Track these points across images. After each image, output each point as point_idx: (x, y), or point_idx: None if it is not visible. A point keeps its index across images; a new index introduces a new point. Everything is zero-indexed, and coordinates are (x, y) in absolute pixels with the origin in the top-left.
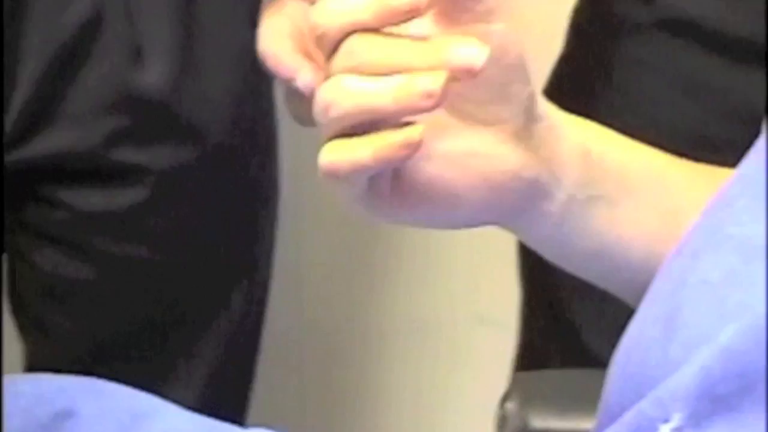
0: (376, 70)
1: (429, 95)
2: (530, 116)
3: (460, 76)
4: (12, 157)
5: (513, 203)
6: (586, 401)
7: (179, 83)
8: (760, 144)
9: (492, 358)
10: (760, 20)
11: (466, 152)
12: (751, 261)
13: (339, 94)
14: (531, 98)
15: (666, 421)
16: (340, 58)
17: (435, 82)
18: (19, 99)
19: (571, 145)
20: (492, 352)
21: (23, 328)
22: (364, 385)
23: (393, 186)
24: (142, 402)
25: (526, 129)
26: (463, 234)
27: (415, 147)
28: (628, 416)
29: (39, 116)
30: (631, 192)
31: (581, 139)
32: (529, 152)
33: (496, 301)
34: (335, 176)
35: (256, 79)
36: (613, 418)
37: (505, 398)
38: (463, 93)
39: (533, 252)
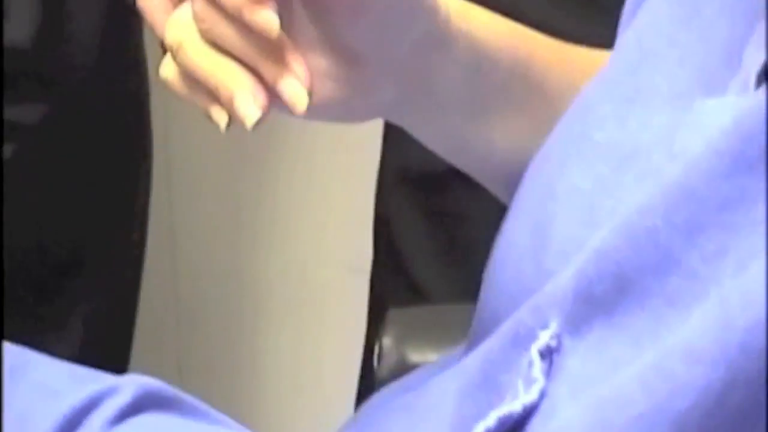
0: (215, 41)
1: (241, 109)
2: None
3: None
4: None
5: (374, 113)
6: (462, 334)
7: (43, 38)
8: (619, 47)
9: (362, 305)
10: None
11: (322, 73)
12: (619, 167)
13: (175, 46)
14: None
15: (545, 327)
16: (192, 15)
17: (248, 104)
18: None
19: (460, 65)
20: (362, 300)
21: None
22: (238, 330)
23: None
24: (14, 355)
25: (402, 61)
26: (336, 183)
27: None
28: (506, 326)
29: None
30: (511, 103)
31: (475, 54)
32: (398, 78)
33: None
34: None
35: (125, 25)
36: (487, 330)
37: (382, 335)
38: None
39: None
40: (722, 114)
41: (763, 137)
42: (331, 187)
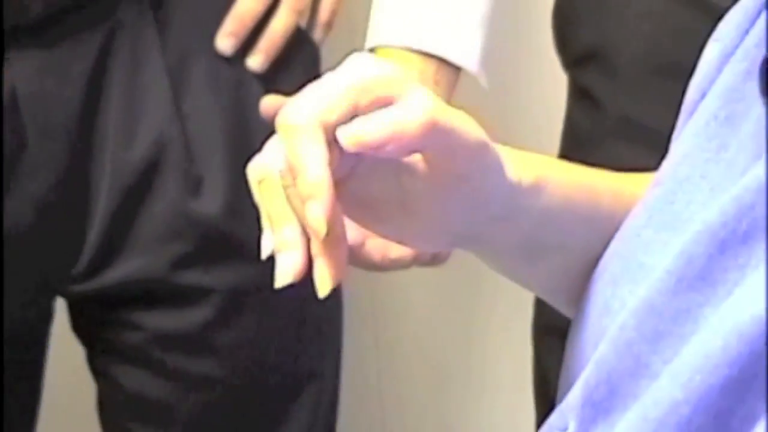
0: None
1: (292, 271)
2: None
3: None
4: (89, 286)
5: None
6: None
7: (235, 209)
8: (660, 174)
9: None
10: None
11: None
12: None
13: (256, 181)
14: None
15: (565, 429)
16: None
17: (289, 266)
18: (93, 235)
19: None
20: None
21: None
22: None
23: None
24: None
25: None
26: None
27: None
28: (542, 429)
29: (111, 249)
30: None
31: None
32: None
33: None
34: None
35: None
36: None
37: None
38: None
39: None
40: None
41: (702, 259)
42: None
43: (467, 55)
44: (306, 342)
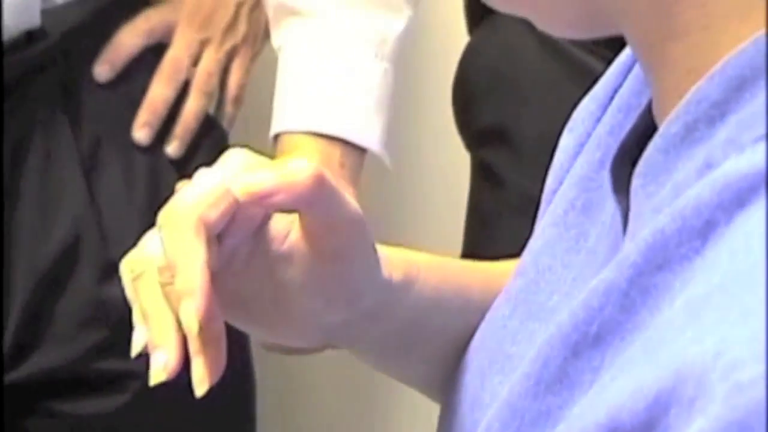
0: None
1: (165, 369)
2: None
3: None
4: (9, 377)
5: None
6: None
7: None
8: (522, 264)
9: None
10: None
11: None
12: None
13: (132, 285)
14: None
15: None
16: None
17: (159, 364)
18: (11, 327)
19: (402, 313)
20: None
21: None
22: None
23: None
24: None
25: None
26: None
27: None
28: None
29: (30, 338)
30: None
31: (414, 302)
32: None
33: None
34: None
35: None
36: None
37: None
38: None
39: None
40: None
41: (557, 361)
42: None
43: (370, 136)
44: (217, 422)
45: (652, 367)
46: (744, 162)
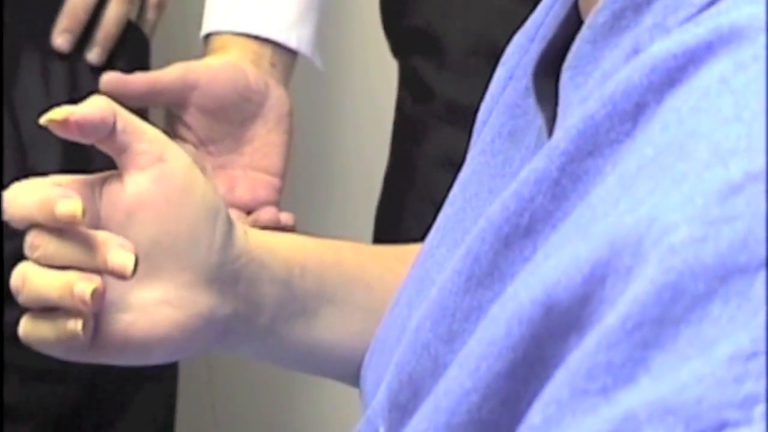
0: (51, 262)
1: (83, 301)
2: (224, 257)
3: (115, 278)
4: None
5: (209, 339)
6: None
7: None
8: (452, 195)
9: None
10: None
11: (157, 301)
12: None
13: (20, 283)
14: (224, 240)
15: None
16: (26, 249)
17: (85, 289)
18: None
19: (272, 273)
20: None
21: None
22: None
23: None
24: None
25: (220, 269)
26: None
27: (78, 336)
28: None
29: None
30: (329, 300)
31: (284, 264)
32: (224, 290)
33: None
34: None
35: None
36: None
37: None
38: (154, 239)
39: None
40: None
41: (489, 255)
42: None
43: (301, 38)
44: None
45: (587, 241)
46: (671, 42)
